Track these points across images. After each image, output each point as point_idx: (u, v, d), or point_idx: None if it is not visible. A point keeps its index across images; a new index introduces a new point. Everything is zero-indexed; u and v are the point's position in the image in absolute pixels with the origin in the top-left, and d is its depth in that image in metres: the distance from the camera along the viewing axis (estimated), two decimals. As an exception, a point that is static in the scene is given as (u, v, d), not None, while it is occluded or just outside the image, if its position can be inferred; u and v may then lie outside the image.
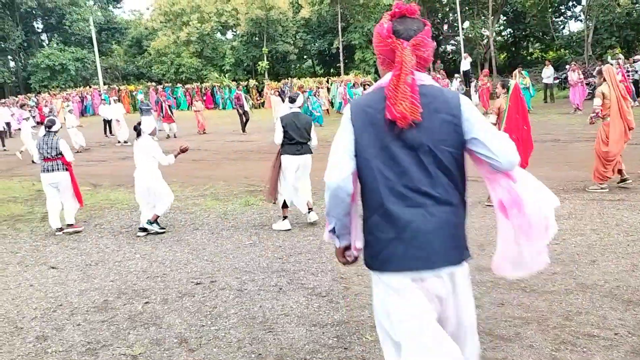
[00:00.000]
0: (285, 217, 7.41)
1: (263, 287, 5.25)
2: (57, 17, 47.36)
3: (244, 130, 21.18)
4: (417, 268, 2.27)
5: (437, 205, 2.29)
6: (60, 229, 7.93)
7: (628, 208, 6.89)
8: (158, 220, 7.56)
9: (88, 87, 40.19)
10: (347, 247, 2.56)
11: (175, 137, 20.63)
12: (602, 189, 7.90)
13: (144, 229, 7.51)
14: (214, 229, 7.56)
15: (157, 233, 7.44)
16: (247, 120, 21.37)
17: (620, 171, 7.95)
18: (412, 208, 2.28)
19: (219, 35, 47.97)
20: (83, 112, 36.02)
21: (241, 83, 32.35)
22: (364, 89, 22.75)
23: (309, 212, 7.46)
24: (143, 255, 6.61)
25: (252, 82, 36.97)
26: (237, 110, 21.59)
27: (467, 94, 24.67)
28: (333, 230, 2.52)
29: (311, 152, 7.40)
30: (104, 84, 41.26)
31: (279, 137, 7.26)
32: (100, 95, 34.00)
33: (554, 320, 4.12)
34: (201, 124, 22.18)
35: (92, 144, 19.89)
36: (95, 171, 13.72)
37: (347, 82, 27.45)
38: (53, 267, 6.40)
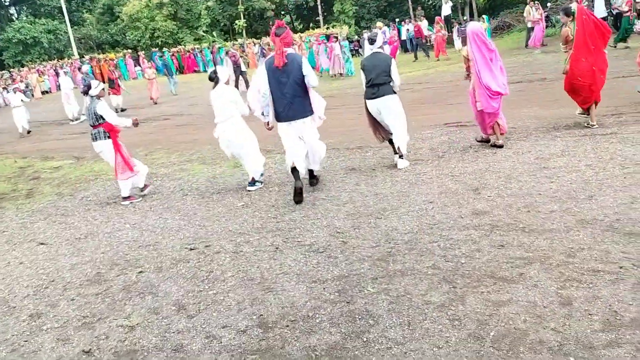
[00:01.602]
0: (401, 156, 7.24)
1: (259, 248, 5.14)
2: (24, -12, 45.82)
3: (245, 86, 19.34)
4: (289, 119, 6.31)
5: (295, 97, 6.20)
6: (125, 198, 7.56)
7: (621, 141, 6.80)
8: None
9: (61, 59, 39.19)
10: (268, 123, 6.48)
11: (122, 110, 19.75)
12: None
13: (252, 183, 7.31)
14: (204, 193, 7.40)
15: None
16: (246, 82, 19.49)
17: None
18: (286, 99, 6.19)
19: (192, -5, 46.67)
20: (60, 86, 35.18)
21: (235, 43, 31.45)
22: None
23: (398, 157, 7.27)
24: (133, 225, 6.46)
25: (243, 41, 36.01)
26: (234, 70, 20.64)
27: (450, 39, 24.30)
28: (262, 114, 6.46)
29: (393, 93, 7.03)
30: (79, 54, 40.23)
31: (363, 82, 7.20)
32: (79, 66, 33.11)
33: (556, 258, 4.05)
34: (154, 93, 21.09)
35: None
36: (77, 144, 13.41)
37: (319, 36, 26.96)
38: (42, 243, 6.25)
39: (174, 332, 3.79)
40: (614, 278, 3.65)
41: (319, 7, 39.61)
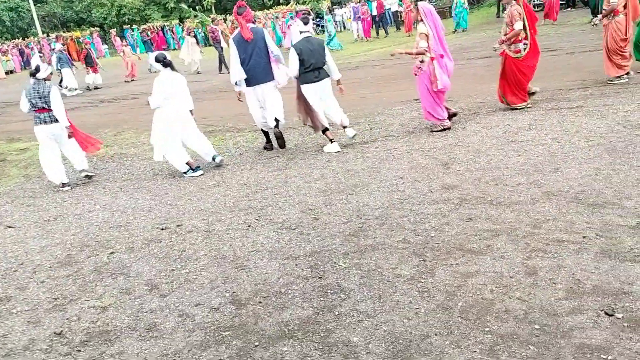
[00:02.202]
0: (332, 140, 7.27)
1: (231, 226, 5.14)
2: (-18, -37, 44.12)
3: (220, 70, 19.47)
4: (254, 84, 7.30)
5: (261, 65, 7.21)
6: (65, 184, 7.43)
7: (586, 114, 6.94)
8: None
9: (25, 38, 38.08)
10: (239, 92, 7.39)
11: (95, 88, 19.74)
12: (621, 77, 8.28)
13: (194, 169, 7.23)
14: (175, 173, 7.34)
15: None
16: (222, 60, 19.51)
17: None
18: (253, 67, 7.20)
19: (159, -29, 45.59)
20: (25, 65, 34.32)
21: (217, 18, 30.66)
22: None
23: (344, 129, 7.40)
24: (103, 206, 6.39)
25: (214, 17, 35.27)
26: (215, 47, 20.23)
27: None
28: (236, 84, 7.30)
29: (329, 76, 7.25)
30: (43, 32, 39.10)
31: (294, 67, 7.04)
32: (49, 44, 32.27)
33: (522, 229, 4.15)
34: (130, 71, 21.23)
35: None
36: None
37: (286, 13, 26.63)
38: (10, 227, 6.14)
39: (146, 312, 3.79)
40: (578, 248, 3.76)
41: (289, -18, 39.10)
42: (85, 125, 11.65)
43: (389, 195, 5.31)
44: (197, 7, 40.42)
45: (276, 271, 4.10)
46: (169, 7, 41.88)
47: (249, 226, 5.08)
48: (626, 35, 8.11)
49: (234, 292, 3.89)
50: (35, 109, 7.15)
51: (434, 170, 5.80)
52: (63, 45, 23.03)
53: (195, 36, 21.66)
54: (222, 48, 19.72)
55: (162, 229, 5.33)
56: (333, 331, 3.23)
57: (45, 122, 7.20)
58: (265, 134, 7.85)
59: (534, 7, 20.83)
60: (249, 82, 7.26)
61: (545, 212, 4.40)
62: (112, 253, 4.92)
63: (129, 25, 37.62)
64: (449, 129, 7.27)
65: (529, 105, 7.68)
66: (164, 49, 32.60)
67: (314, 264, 4.12)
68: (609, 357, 2.67)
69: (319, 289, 3.74)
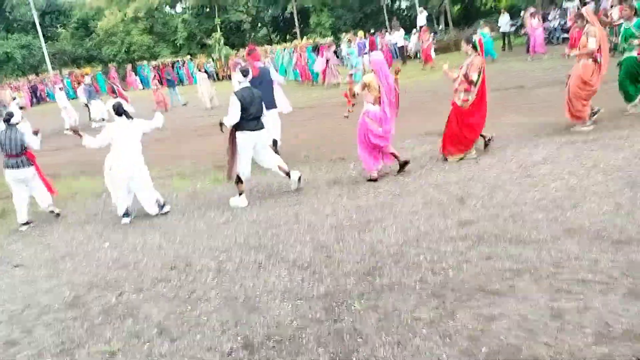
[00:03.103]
0: (241, 193, 7.13)
1: (242, 265, 5.02)
2: (-5, 3, 45.06)
3: None
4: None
5: (268, 95, 8.59)
6: (27, 223, 7.54)
7: (602, 147, 6.83)
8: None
9: (36, 75, 38.72)
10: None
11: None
12: (587, 126, 7.95)
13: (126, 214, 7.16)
14: (185, 210, 7.26)
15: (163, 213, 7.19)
16: None
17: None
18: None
19: (168, 9, 46.46)
20: (33, 102, 34.79)
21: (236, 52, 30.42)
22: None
23: (288, 176, 7.23)
24: (113, 244, 6.29)
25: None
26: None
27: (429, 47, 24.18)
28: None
29: (264, 127, 7.11)
30: (53, 69, 39.73)
31: (235, 115, 6.79)
32: (62, 80, 32.78)
33: (545, 269, 4.01)
34: (161, 102, 21.47)
35: (46, 132, 19.14)
36: (52, 161, 13.12)
37: (304, 47, 26.72)
38: (18, 266, 6.04)
39: (156, 357, 3.66)
40: (604, 288, 3.61)
41: (296, 19, 39.67)
42: (94, 160, 11.71)
43: (403, 231, 5.18)
44: (205, 44, 41.05)
45: (289, 313, 3.97)
46: (178, 44, 42.50)
47: (260, 265, 4.95)
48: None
49: (246, 335, 3.75)
50: (5, 154, 7.30)
51: (450, 206, 5.68)
52: (91, 75, 23.69)
53: (205, 71, 21.78)
54: None
55: (172, 268, 5.21)
56: (351, 379, 3.08)
57: (14, 167, 7.36)
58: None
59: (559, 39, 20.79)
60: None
61: (567, 250, 4.25)
62: (120, 294, 4.80)
63: (139, 61, 38.21)
64: (374, 180, 7.14)
65: (468, 156, 7.41)
66: (175, 84, 32.90)
67: (328, 306, 3.98)
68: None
69: (334, 333, 3.60)
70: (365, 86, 7.02)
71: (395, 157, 7.23)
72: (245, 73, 7.07)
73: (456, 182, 6.45)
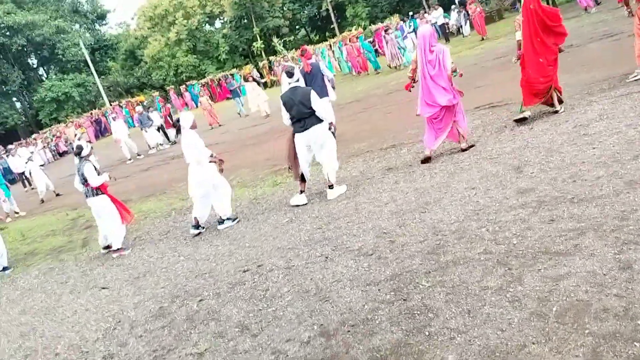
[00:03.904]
0: (302, 191, 7.30)
1: (310, 260, 5.21)
2: (49, 48, 47.59)
3: None
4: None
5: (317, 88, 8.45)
6: (106, 247, 7.99)
7: (660, 95, 6.61)
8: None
9: (94, 110, 40.56)
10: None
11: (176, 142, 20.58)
12: None
13: (197, 226, 7.50)
14: (249, 216, 7.54)
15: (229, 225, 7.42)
16: None
17: None
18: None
19: (207, 27, 47.63)
20: (98, 135, 36.48)
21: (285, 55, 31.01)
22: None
23: (329, 187, 7.18)
24: (187, 257, 6.63)
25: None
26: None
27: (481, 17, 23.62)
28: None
29: (320, 122, 6.99)
30: (110, 102, 41.50)
31: (285, 117, 7.12)
32: (121, 110, 34.50)
33: (609, 223, 3.97)
34: (213, 118, 22.12)
35: (112, 161, 20.10)
36: (121, 188, 13.81)
37: (355, 37, 26.64)
38: (104, 288, 6.47)
39: (241, 353, 3.88)
40: (673, 234, 3.56)
41: (332, 15, 39.79)
42: (158, 182, 12.24)
43: (462, 208, 5.23)
44: (248, 54, 41.77)
45: (360, 299, 4.11)
46: (222, 59, 43.49)
47: (326, 258, 5.12)
48: None
49: (322, 324, 3.92)
50: (82, 183, 7.76)
51: (506, 176, 5.66)
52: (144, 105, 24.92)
53: (254, 79, 22.15)
54: None
55: (244, 271, 5.46)
56: (426, 352, 3.19)
57: (87, 196, 7.81)
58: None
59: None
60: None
61: (631, 202, 4.19)
62: (200, 300, 5.08)
63: (189, 81, 39.33)
64: (427, 161, 7.23)
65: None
66: (227, 98, 33.59)
67: (396, 287, 4.10)
68: None
69: (405, 311, 3.71)
70: (415, 63, 7.32)
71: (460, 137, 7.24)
72: (290, 74, 7.22)
73: (510, 152, 6.41)
